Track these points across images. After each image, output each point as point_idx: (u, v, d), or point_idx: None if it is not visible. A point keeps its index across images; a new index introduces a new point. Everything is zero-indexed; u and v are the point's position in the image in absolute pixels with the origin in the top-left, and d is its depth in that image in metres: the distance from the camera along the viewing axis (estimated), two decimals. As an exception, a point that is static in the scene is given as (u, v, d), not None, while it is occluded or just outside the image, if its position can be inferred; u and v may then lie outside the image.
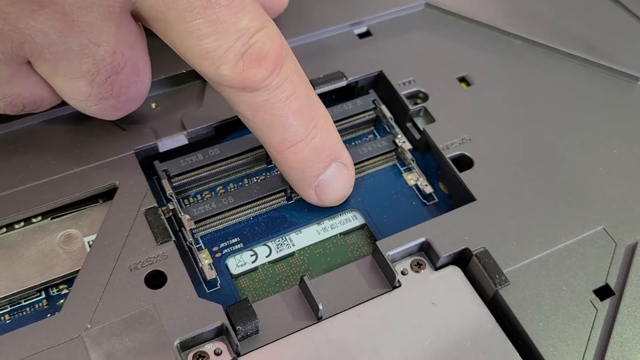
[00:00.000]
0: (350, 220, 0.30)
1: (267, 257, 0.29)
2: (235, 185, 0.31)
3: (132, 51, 0.26)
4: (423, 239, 0.27)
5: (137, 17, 0.26)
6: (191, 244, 0.28)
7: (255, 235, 0.30)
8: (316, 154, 0.28)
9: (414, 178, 0.31)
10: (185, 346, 0.25)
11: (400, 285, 0.27)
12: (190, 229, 0.28)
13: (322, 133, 0.28)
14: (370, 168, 0.32)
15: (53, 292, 0.27)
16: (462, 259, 0.28)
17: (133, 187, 0.28)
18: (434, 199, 0.31)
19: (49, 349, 0.24)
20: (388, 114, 0.32)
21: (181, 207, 0.29)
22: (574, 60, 0.35)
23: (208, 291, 0.28)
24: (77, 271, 0.26)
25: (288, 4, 0.34)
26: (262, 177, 0.32)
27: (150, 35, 0.27)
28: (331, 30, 0.35)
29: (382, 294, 0.26)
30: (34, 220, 0.28)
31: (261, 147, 0.31)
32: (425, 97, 0.33)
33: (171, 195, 0.29)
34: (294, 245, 0.29)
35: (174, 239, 0.27)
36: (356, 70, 0.33)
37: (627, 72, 0.34)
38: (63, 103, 0.28)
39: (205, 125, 0.31)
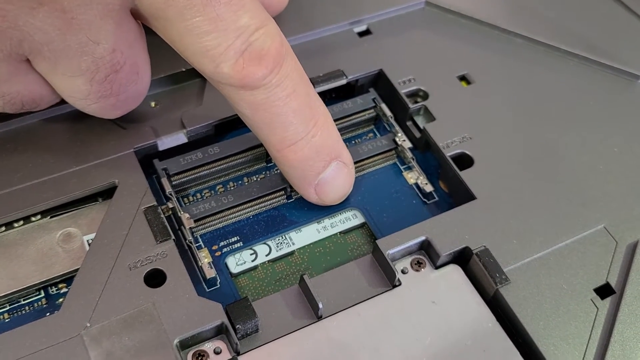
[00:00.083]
0: (350, 219, 0.30)
1: (266, 255, 0.29)
2: (235, 183, 0.31)
3: (132, 49, 0.26)
4: (423, 238, 0.27)
5: (136, 15, 0.26)
6: (191, 242, 0.28)
7: (255, 234, 0.30)
8: (316, 152, 0.28)
9: (414, 177, 0.31)
10: (184, 345, 0.25)
11: (400, 284, 0.27)
12: (190, 228, 0.28)
13: (322, 131, 0.28)
14: (370, 167, 0.32)
15: (52, 291, 0.27)
16: (462, 258, 0.28)
17: (132, 186, 0.28)
18: (434, 198, 0.31)
19: (48, 348, 0.24)
20: (388, 113, 0.32)
21: (181, 205, 0.29)
22: (575, 59, 0.35)
23: (208, 290, 0.28)
24: (77, 270, 0.26)
25: (288, 3, 0.34)
26: (262, 176, 0.31)
27: (150, 34, 0.27)
28: (331, 28, 0.35)
29: (382, 293, 0.26)
30: (33, 218, 0.28)
31: (261, 145, 0.31)
32: (425, 96, 0.33)
33: (171, 194, 0.29)
34: (293, 244, 0.29)
35: (173, 237, 0.27)
36: (356, 68, 0.33)
37: (627, 71, 0.34)
38: (62, 101, 0.28)
39: (205, 123, 0.31)
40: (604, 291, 0.27)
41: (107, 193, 0.29)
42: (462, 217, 0.28)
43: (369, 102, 0.33)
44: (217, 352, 0.25)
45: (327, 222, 0.30)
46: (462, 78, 0.34)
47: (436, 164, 0.32)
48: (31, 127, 0.30)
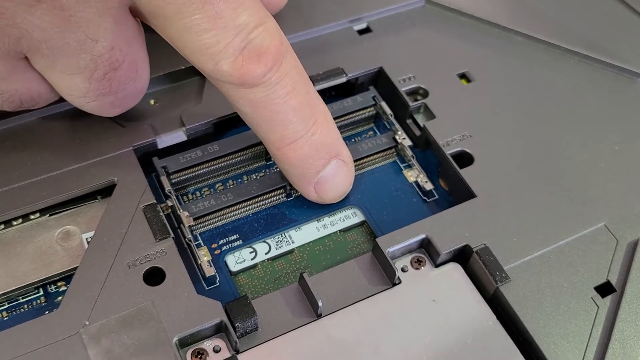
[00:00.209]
0: (350, 217, 0.30)
1: (266, 254, 0.29)
2: (235, 182, 0.31)
3: (131, 47, 0.26)
4: (423, 236, 0.27)
5: (135, 12, 0.26)
6: (190, 240, 0.28)
7: (255, 232, 0.29)
8: (316, 150, 0.28)
9: (414, 175, 0.31)
10: (184, 343, 0.25)
11: (400, 282, 0.27)
12: (189, 226, 0.28)
13: (322, 130, 0.28)
14: (370, 165, 0.32)
15: (51, 289, 0.27)
16: (462, 256, 0.27)
17: (132, 184, 0.28)
18: (434, 196, 0.31)
19: (47, 346, 0.24)
20: (388, 111, 0.32)
21: (180, 203, 0.29)
22: (575, 57, 0.35)
23: (207, 288, 0.28)
24: (75, 268, 0.26)
25: (288, 0, 0.34)
26: (262, 174, 0.31)
27: (149, 31, 0.27)
28: (331, 26, 0.35)
29: (382, 291, 0.26)
30: (32, 217, 0.28)
31: (260, 143, 0.31)
32: (425, 94, 0.33)
33: (170, 192, 0.29)
34: (293, 242, 0.29)
35: (172, 235, 0.27)
36: (356, 66, 0.33)
37: (628, 69, 0.34)
38: (61, 99, 0.28)
39: (204, 121, 0.31)
40: (604, 289, 0.27)
41: (106, 191, 0.29)
42: (462, 215, 0.28)
43: (368, 100, 0.33)
44: (216, 351, 0.25)
45: (326, 220, 0.30)
46: (462, 76, 0.34)
47: (436, 162, 0.32)
48: (30, 125, 0.30)
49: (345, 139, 0.30)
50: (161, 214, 0.28)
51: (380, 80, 0.34)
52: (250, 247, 0.29)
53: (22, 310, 0.27)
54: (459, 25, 0.36)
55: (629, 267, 0.27)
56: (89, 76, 0.26)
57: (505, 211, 0.28)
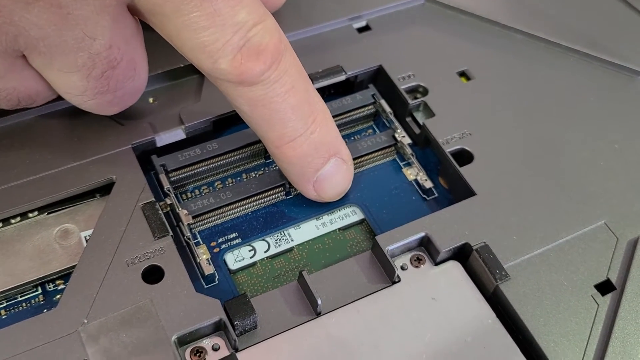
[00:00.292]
0: (350, 215, 0.30)
1: (265, 252, 0.29)
2: (234, 180, 0.31)
3: (129, 45, 0.26)
4: (423, 234, 0.27)
5: (133, 10, 0.26)
6: (189, 239, 0.28)
7: (254, 230, 0.29)
8: (315, 149, 0.28)
9: (414, 173, 0.31)
10: (182, 341, 0.25)
11: (399, 281, 0.26)
12: (188, 224, 0.28)
13: (321, 128, 0.28)
14: (369, 163, 0.32)
15: (49, 288, 0.27)
16: (462, 254, 0.27)
17: (130, 182, 0.28)
18: (434, 194, 0.31)
19: (45, 345, 0.24)
20: (387, 109, 0.32)
21: (179, 202, 0.29)
22: (575, 55, 0.35)
23: (206, 286, 0.28)
24: (74, 266, 0.26)
25: (287, -2, 0.34)
26: (261, 172, 0.31)
27: (147, 29, 0.27)
28: (330, 24, 0.35)
29: (382, 289, 0.26)
30: (30, 215, 0.28)
31: (259, 141, 0.30)
32: (425, 92, 0.33)
33: (169, 190, 0.29)
34: (292, 240, 0.29)
35: (171, 233, 0.27)
36: (355, 64, 0.33)
37: (628, 67, 0.34)
38: (59, 98, 0.28)
39: (203, 119, 0.31)
40: (604, 287, 0.27)
41: (105, 189, 0.29)
42: (462, 213, 0.28)
43: (368, 98, 0.33)
44: (215, 349, 0.25)
45: (326, 218, 0.30)
46: (462, 74, 0.34)
47: (436, 160, 0.32)
48: (28, 123, 0.30)
49: (344, 137, 0.30)
50: (160, 212, 0.27)
51: (379, 78, 0.34)
52: (250, 245, 0.29)
53: (20, 308, 0.27)
54: (459, 23, 0.36)
55: (629, 265, 0.27)
56: (86, 74, 0.26)
57: (505, 209, 0.28)
